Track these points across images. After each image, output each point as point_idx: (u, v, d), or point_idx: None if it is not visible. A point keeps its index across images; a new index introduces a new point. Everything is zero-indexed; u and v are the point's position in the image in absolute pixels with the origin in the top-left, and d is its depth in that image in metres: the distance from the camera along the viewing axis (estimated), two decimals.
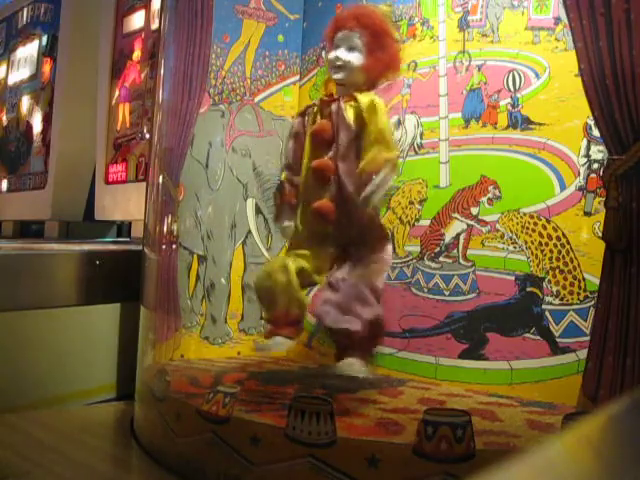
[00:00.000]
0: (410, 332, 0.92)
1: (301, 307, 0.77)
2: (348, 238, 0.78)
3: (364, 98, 0.78)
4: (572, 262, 0.81)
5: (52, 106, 1.90)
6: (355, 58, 0.78)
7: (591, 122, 0.78)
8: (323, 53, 1.09)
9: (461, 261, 0.91)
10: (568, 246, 0.81)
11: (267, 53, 1.10)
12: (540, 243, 0.84)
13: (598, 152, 0.79)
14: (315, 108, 0.81)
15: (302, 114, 0.84)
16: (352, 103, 0.78)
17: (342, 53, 0.78)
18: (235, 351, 1.06)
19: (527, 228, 0.85)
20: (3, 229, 2.14)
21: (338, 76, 0.79)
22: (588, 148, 0.81)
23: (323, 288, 0.78)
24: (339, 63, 0.78)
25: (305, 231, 0.80)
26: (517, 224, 0.86)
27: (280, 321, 0.77)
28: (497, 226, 0.88)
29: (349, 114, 0.77)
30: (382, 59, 0.79)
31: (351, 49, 0.78)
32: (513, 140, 0.87)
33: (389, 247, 0.82)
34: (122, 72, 1.62)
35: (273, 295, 0.77)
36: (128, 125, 1.58)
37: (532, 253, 0.84)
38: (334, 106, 0.78)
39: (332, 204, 0.77)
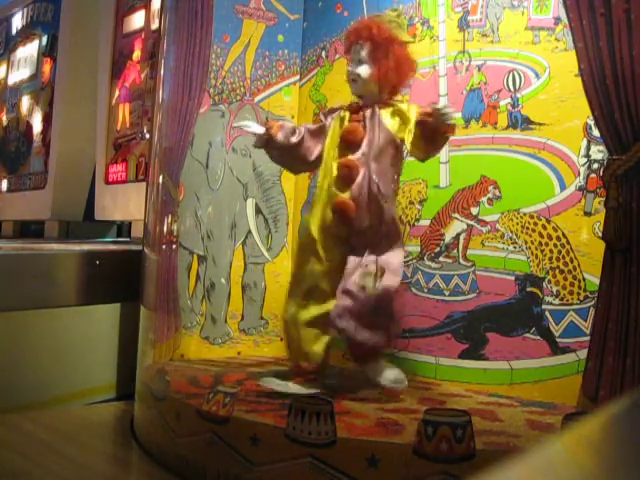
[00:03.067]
0: (410, 332, 0.92)
1: (313, 361, 0.79)
2: (365, 237, 0.79)
3: (402, 105, 0.80)
4: (572, 262, 0.81)
5: (52, 106, 1.90)
6: (363, 71, 0.80)
7: (591, 122, 0.78)
8: (323, 53, 1.09)
9: (461, 261, 0.91)
10: (568, 246, 0.81)
11: (267, 53, 1.10)
12: (540, 243, 0.84)
13: (598, 152, 0.79)
14: (343, 112, 0.82)
15: (326, 114, 0.85)
16: (391, 110, 0.80)
17: (353, 67, 0.81)
18: (235, 351, 1.06)
19: (527, 228, 0.85)
20: (3, 229, 2.15)
21: (353, 89, 0.82)
22: (588, 148, 0.81)
23: (340, 296, 0.78)
24: (352, 77, 0.81)
25: (322, 233, 0.79)
26: (517, 224, 0.86)
27: (295, 370, 0.80)
28: (497, 226, 0.88)
29: (387, 120, 0.79)
30: (390, 67, 0.80)
31: (360, 62, 0.80)
32: (513, 140, 0.87)
33: (402, 252, 0.82)
34: (122, 72, 1.62)
35: (289, 347, 0.82)
36: (128, 125, 1.58)
37: (532, 253, 0.84)
38: (368, 112, 0.80)
39: (353, 202, 0.77)
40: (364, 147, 0.79)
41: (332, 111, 0.85)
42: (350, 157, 0.79)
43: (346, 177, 0.78)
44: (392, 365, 0.78)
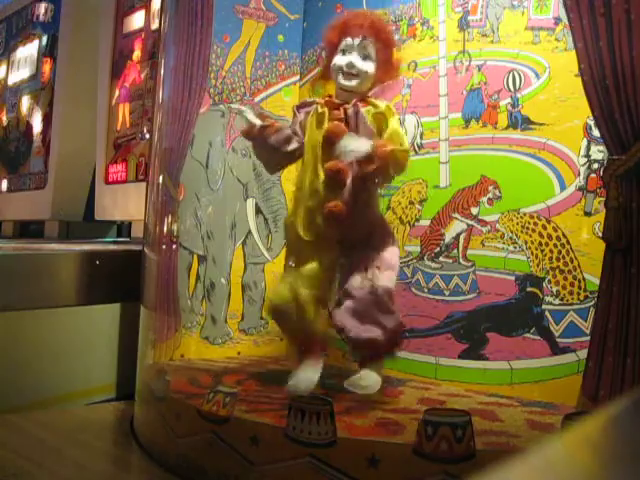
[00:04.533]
0: (410, 332, 0.92)
1: (318, 332, 0.77)
2: (357, 239, 0.78)
3: (380, 103, 0.78)
4: (572, 262, 0.81)
5: (52, 106, 1.90)
6: (370, 67, 0.78)
7: (591, 122, 0.78)
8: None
9: (461, 261, 0.91)
10: (568, 246, 0.81)
11: (267, 53, 1.10)
12: (540, 243, 0.84)
13: (598, 152, 0.79)
14: (318, 108, 0.80)
15: (298, 110, 0.83)
16: (369, 108, 0.78)
17: (357, 61, 0.78)
18: (235, 351, 1.06)
19: (527, 228, 0.85)
20: (3, 229, 2.14)
21: (351, 83, 0.78)
22: (588, 148, 0.81)
23: (339, 296, 0.78)
24: (353, 71, 0.78)
25: (311, 235, 0.78)
26: (517, 224, 0.86)
27: (304, 348, 0.77)
28: (497, 226, 0.88)
29: (370, 118, 0.77)
30: (390, 68, 0.80)
31: (366, 58, 0.78)
32: (513, 140, 0.87)
33: (396, 249, 0.81)
34: (122, 72, 1.62)
35: (293, 323, 0.78)
36: (128, 125, 1.58)
37: (532, 253, 0.84)
38: (350, 110, 0.78)
39: (344, 206, 0.76)
40: None
41: (305, 105, 0.82)
42: (338, 161, 0.76)
43: (337, 181, 0.76)
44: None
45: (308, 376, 0.75)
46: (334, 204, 0.76)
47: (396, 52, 0.82)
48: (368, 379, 0.74)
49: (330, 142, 0.77)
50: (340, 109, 0.78)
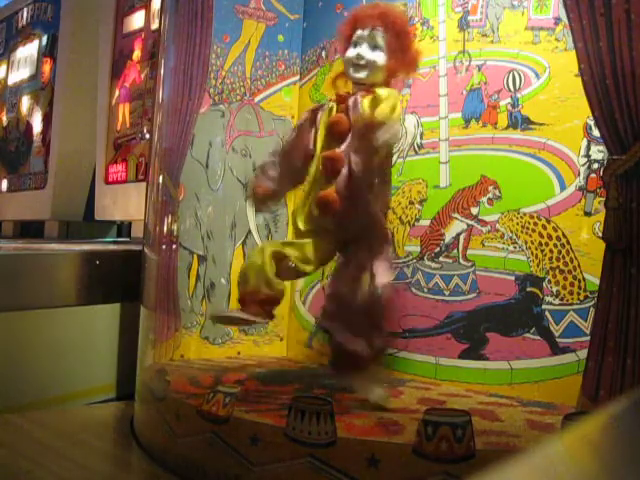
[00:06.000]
0: (410, 332, 0.92)
1: (271, 289, 0.75)
2: (349, 233, 0.77)
3: (383, 91, 0.77)
4: (572, 262, 0.81)
5: (52, 106, 1.90)
6: (379, 57, 0.77)
7: (591, 122, 0.78)
8: (323, 53, 1.09)
9: (461, 261, 0.91)
10: (568, 246, 0.81)
11: (267, 53, 1.10)
12: (540, 243, 0.84)
13: (598, 152, 0.79)
14: (330, 104, 0.80)
15: (314, 110, 0.82)
16: (371, 97, 0.76)
17: (366, 52, 0.77)
18: (235, 351, 1.06)
19: (527, 228, 0.85)
20: (3, 229, 2.15)
21: (360, 75, 0.78)
22: (588, 148, 0.80)
23: (327, 296, 0.77)
24: (362, 62, 0.77)
25: (308, 221, 0.78)
26: (517, 224, 0.86)
27: (248, 299, 0.76)
28: (497, 226, 0.88)
29: (366, 106, 0.76)
30: (403, 59, 0.78)
31: (375, 48, 0.77)
32: (513, 140, 0.87)
33: (389, 249, 0.81)
34: (122, 72, 1.62)
35: (245, 275, 0.76)
36: (128, 125, 1.58)
37: (532, 253, 0.84)
38: (351, 100, 0.77)
39: (337, 195, 0.75)
40: (349, 138, 0.76)
41: (322, 105, 0.82)
42: (335, 150, 0.76)
43: (330, 170, 0.76)
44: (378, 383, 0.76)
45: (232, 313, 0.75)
46: (327, 192, 0.75)
47: (412, 42, 0.80)
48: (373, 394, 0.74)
49: (331, 132, 0.77)
50: (346, 101, 0.78)
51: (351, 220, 0.76)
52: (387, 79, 0.79)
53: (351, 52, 0.78)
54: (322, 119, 0.80)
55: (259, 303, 0.76)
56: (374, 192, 0.77)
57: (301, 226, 0.78)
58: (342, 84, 0.81)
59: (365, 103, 0.76)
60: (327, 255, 0.79)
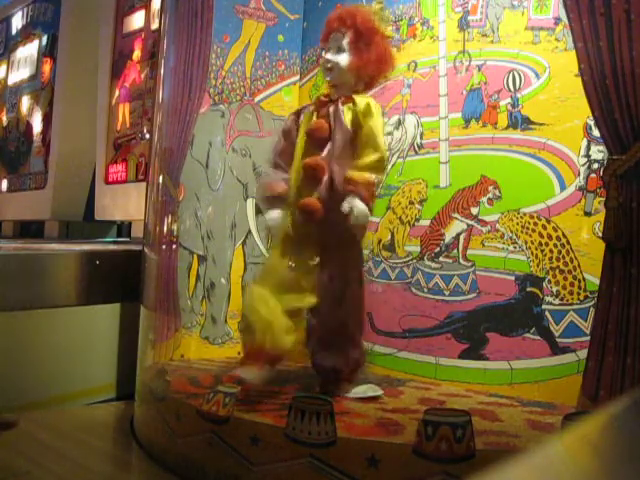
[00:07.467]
0: (410, 332, 0.92)
1: (278, 348, 0.75)
2: (329, 240, 0.77)
3: (361, 100, 0.78)
4: (572, 262, 0.81)
5: (52, 106, 1.90)
6: (342, 59, 0.78)
7: (591, 122, 0.78)
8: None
9: (461, 261, 0.90)
10: (568, 246, 0.81)
11: (267, 53, 1.10)
12: (540, 243, 0.84)
13: (598, 152, 0.79)
14: (311, 108, 0.81)
15: (297, 113, 0.83)
16: (350, 105, 0.78)
17: (330, 55, 0.79)
18: (235, 351, 1.06)
19: (527, 228, 0.85)
20: (3, 229, 2.15)
21: (328, 78, 0.80)
22: (588, 148, 0.80)
23: (310, 314, 0.78)
24: (328, 65, 0.79)
25: (293, 230, 0.78)
26: (517, 224, 0.86)
27: (253, 356, 0.75)
28: (497, 226, 0.88)
29: (346, 116, 0.77)
30: (370, 58, 0.78)
31: (339, 50, 0.79)
32: (513, 140, 0.87)
33: (361, 257, 0.83)
34: (122, 72, 1.62)
35: (253, 332, 0.74)
36: (128, 125, 1.58)
37: (532, 253, 0.84)
38: (332, 107, 0.78)
39: (319, 203, 0.76)
40: (329, 145, 0.77)
41: (304, 108, 0.83)
42: (316, 157, 0.77)
43: (312, 177, 0.76)
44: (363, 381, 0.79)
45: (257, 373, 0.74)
46: (309, 200, 0.76)
47: (379, 41, 0.80)
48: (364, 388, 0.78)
49: (311, 138, 0.78)
50: (325, 107, 0.79)
51: (334, 231, 0.76)
52: (363, 80, 0.80)
53: (322, 57, 0.81)
54: (303, 122, 0.80)
55: (265, 360, 0.74)
56: None
57: (289, 232, 0.78)
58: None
59: (346, 113, 0.77)
60: (312, 259, 0.78)
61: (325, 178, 0.76)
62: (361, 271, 0.82)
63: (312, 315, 0.79)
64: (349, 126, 0.77)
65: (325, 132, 0.77)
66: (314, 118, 0.79)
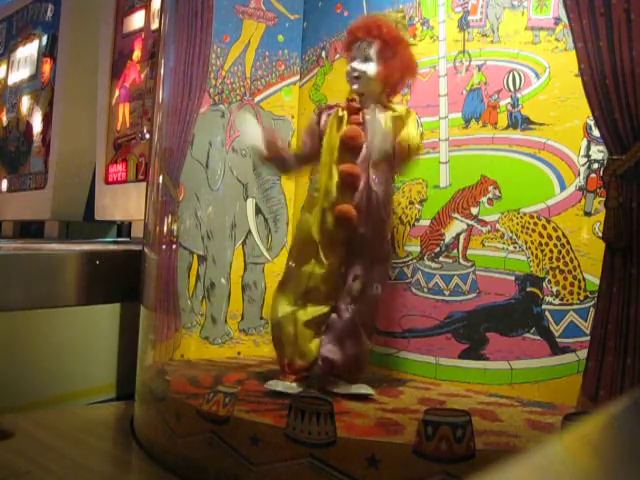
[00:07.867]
0: (410, 332, 0.92)
1: (307, 358, 0.79)
2: (364, 243, 0.79)
3: (399, 107, 0.81)
4: (572, 262, 0.81)
5: (52, 106, 1.90)
6: (370, 68, 0.80)
7: (591, 122, 0.78)
8: (323, 53, 1.09)
9: (461, 261, 0.91)
10: (568, 246, 0.81)
11: (267, 53, 1.10)
12: (540, 243, 0.84)
13: (598, 152, 0.79)
14: (339, 112, 0.81)
15: (318, 114, 0.85)
16: (389, 112, 0.80)
17: (357, 64, 0.81)
18: (235, 351, 1.06)
19: (527, 228, 0.85)
20: (3, 229, 2.15)
21: (356, 87, 0.81)
22: (588, 148, 0.80)
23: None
24: (355, 74, 0.81)
25: (321, 235, 0.79)
26: (517, 224, 0.86)
27: (285, 369, 0.80)
28: (497, 226, 0.88)
29: (387, 123, 0.79)
30: (396, 67, 0.81)
31: (366, 60, 0.80)
32: (513, 140, 0.87)
33: (389, 267, 0.85)
34: (122, 72, 1.62)
35: (282, 345, 0.81)
36: (128, 125, 1.58)
37: (532, 253, 0.84)
38: (368, 114, 0.80)
39: (355, 210, 0.78)
40: (365, 152, 0.78)
41: (328, 108, 0.84)
42: (353, 164, 0.78)
43: (349, 184, 0.78)
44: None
45: (294, 387, 0.78)
46: (346, 207, 0.78)
47: (404, 50, 0.82)
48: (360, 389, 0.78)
49: (347, 145, 0.79)
50: (359, 113, 0.80)
51: (365, 236, 0.79)
52: (389, 88, 0.82)
53: (348, 66, 0.82)
54: (331, 125, 0.81)
55: (303, 371, 0.79)
56: (387, 209, 0.81)
57: (316, 236, 0.79)
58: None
59: (386, 119, 0.80)
60: (338, 264, 0.80)
61: (361, 185, 0.78)
62: (385, 283, 0.83)
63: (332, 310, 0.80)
64: (390, 133, 0.79)
65: (361, 140, 0.79)
66: (344, 123, 0.80)
